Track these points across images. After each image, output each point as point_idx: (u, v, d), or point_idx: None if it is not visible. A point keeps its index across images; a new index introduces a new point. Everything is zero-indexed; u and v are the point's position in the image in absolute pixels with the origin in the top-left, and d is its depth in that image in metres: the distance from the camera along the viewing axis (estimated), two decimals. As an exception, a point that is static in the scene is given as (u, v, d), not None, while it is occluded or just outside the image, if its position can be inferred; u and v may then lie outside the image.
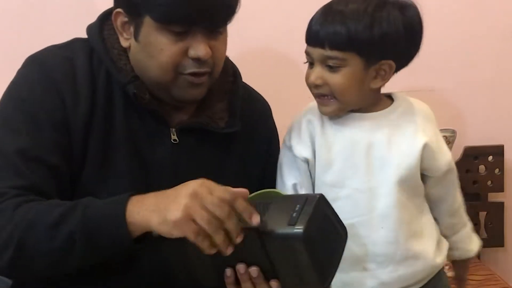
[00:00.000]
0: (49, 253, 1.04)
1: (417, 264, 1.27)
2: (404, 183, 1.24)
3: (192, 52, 1.15)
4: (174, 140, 1.24)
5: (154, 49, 1.16)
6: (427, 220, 1.32)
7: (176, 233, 0.98)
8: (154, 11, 1.13)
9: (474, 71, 1.96)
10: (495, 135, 1.99)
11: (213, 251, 0.99)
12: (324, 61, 1.21)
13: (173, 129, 1.24)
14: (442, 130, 1.86)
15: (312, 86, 1.24)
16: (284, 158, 1.32)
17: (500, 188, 1.99)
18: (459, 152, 1.95)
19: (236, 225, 0.99)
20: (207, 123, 1.26)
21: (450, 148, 1.87)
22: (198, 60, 1.16)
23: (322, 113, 1.27)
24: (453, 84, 1.95)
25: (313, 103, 1.30)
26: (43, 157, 1.13)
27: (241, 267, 1.04)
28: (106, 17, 1.26)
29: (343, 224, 1.08)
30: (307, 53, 1.25)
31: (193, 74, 1.17)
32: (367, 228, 1.24)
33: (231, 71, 1.33)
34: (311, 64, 1.24)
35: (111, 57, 1.22)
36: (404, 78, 1.88)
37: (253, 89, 1.43)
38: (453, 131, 1.88)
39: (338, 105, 1.24)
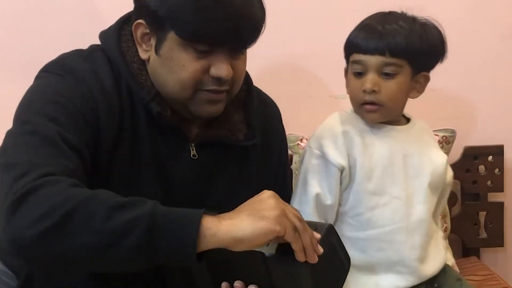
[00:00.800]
0: (97, 234, 0.93)
1: (436, 261, 1.38)
2: (434, 191, 1.38)
3: (214, 71, 1.15)
4: (194, 155, 1.24)
5: (175, 65, 1.15)
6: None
7: (277, 228, 0.96)
8: (180, 28, 1.12)
9: (474, 71, 1.96)
10: (495, 135, 1.99)
11: (303, 257, 0.99)
12: (380, 69, 1.29)
13: (192, 144, 1.24)
14: (442, 130, 1.86)
15: (368, 92, 1.30)
16: (310, 166, 1.35)
17: (500, 188, 1.99)
18: (459, 152, 1.95)
19: (313, 237, 1.02)
20: (226, 136, 1.25)
21: (450, 148, 1.87)
22: (218, 79, 1.15)
23: (369, 120, 1.34)
24: (453, 84, 1.95)
25: (340, 113, 1.38)
26: (81, 149, 1.08)
27: (238, 284, 1.05)
28: (122, 25, 1.24)
29: (347, 254, 1.11)
30: (357, 62, 1.31)
31: (212, 91, 1.17)
32: (405, 234, 1.33)
33: (244, 79, 1.30)
34: (359, 74, 1.31)
35: (132, 72, 1.19)
36: (404, 78, 1.88)
37: (263, 93, 1.42)
38: (453, 131, 1.87)
39: (384, 112, 1.33)
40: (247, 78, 1.32)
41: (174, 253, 0.96)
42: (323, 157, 1.33)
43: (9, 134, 1.11)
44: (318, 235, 1.04)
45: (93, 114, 1.14)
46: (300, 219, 1.01)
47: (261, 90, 1.41)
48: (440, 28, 1.36)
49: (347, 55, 1.35)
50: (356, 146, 1.33)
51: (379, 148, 1.34)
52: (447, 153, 1.86)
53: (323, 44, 1.78)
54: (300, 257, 0.99)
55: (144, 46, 1.19)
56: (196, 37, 1.12)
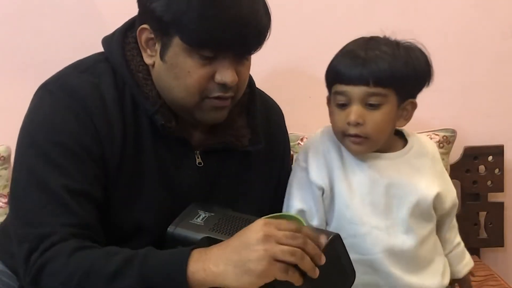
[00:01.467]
0: None
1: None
2: (422, 219, 1.31)
3: (219, 78, 1.14)
4: (199, 163, 1.23)
5: (180, 71, 1.14)
6: (437, 241, 1.38)
7: (262, 282, 0.97)
8: (186, 34, 1.11)
9: (474, 71, 1.96)
10: (495, 135, 1.99)
11: (301, 281, 0.98)
12: (365, 99, 1.23)
13: (197, 152, 1.24)
14: (442, 130, 1.86)
15: (353, 125, 1.24)
16: (295, 179, 1.33)
17: (500, 188, 1.99)
18: (459, 152, 1.95)
19: (315, 247, 1.00)
20: (231, 142, 1.25)
21: (450, 148, 1.87)
22: (224, 86, 1.15)
23: (353, 152, 1.29)
24: (453, 84, 1.95)
25: (328, 129, 1.33)
26: (88, 190, 1.11)
27: None
28: (125, 33, 1.22)
29: (353, 267, 1.10)
30: (340, 93, 1.26)
31: (217, 98, 1.16)
32: (387, 263, 1.28)
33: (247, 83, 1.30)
34: (343, 105, 1.25)
35: (137, 81, 1.18)
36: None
37: (266, 95, 1.42)
38: (453, 131, 1.87)
39: (370, 144, 1.27)
40: (250, 81, 1.31)
41: None
42: (307, 171, 1.31)
43: (16, 181, 1.15)
44: (322, 242, 1.03)
45: (96, 143, 1.14)
46: (296, 244, 0.98)
47: (263, 92, 1.40)
48: (424, 51, 1.29)
49: (329, 85, 1.29)
50: (336, 171, 1.30)
51: (360, 176, 1.29)
52: (447, 153, 1.86)
53: (324, 44, 1.77)
54: (298, 283, 0.98)
55: (148, 51, 1.18)
56: (201, 43, 1.11)
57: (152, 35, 1.16)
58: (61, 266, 1.04)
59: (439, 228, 1.39)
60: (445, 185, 1.37)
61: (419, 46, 1.29)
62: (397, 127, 1.32)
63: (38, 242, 1.06)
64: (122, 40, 1.21)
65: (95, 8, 1.74)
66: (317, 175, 1.29)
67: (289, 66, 1.82)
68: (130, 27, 1.22)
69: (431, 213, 1.33)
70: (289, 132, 1.46)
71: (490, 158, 1.96)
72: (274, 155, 1.36)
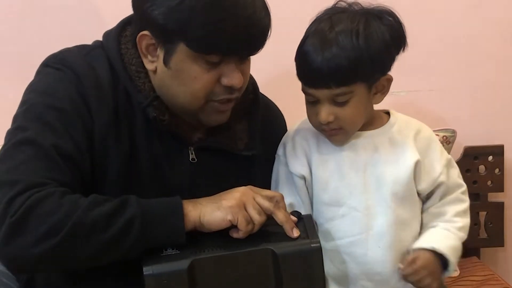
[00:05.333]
0: (103, 240, 1.03)
1: None
2: (400, 201, 1.25)
3: (226, 81, 1.15)
4: (193, 159, 1.23)
5: (186, 77, 1.14)
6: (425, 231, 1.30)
7: (228, 218, 1.08)
8: (192, 41, 1.11)
9: (474, 71, 1.96)
10: (495, 135, 1.99)
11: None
12: (332, 98, 1.20)
13: (192, 148, 1.24)
14: (442, 130, 1.86)
15: (324, 123, 1.22)
16: (280, 174, 1.32)
17: (500, 188, 1.99)
18: (459, 152, 1.95)
19: (288, 217, 1.13)
20: (226, 143, 1.25)
21: (450, 148, 1.87)
22: (230, 88, 1.16)
23: (335, 143, 1.27)
24: (453, 84, 1.95)
25: (305, 119, 1.29)
26: (77, 157, 1.11)
27: None
28: (123, 27, 1.23)
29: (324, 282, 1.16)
30: (307, 93, 1.23)
31: (222, 101, 1.17)
32: (364, 247, 1.24)
33: (251, 87, 1.30)
34: (313, 103, 1.23)
35: (130, 75, 1.19)
36: (404, 78, 1.88)
37: (269, 100, 1.41)
38: (453, 131, 1.87)
39: (348, 133, 1.25)
40: (254, 87, 1.32)
41: (167, 240, 1.08)
42: (287, 165, 1.30)
43: (7, 140, 1.13)
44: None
45: (88, 114, 1.14)
46: (267, 206, 1.12)
47: (266, 97, 1.40)
48: (392, 15, 1.21)
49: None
50: (313, 156, 1.28)
51: (337, 157, 1.26)
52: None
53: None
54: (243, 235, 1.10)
55: (149, 57, 1.17)
56: (207, 49, 1.11)
57: (153, 41, 1.15)
58: (54, 207, 1.02)
59: (431, 204, 1.30)
60: (432, 155, 1.28)
61: (388, 10, 1.22)
62: (375, 103, 1.27)
63: (26, 188, 1.03)
64: (119, 34, 1.22)
65: (95, 8, 1.74)
66: (296, 164, 1.28)
67: (291, 66, 1.82)
68: (129, 22, 1.23)
69: (413, 193, 1.27)
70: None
71: (490, 158, 1.96)
72: (274, 158, 1.35)
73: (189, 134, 1.24)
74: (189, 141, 1.24)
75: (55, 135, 1.10)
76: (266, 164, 1.33)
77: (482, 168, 1.97)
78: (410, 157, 1.26)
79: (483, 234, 2.00)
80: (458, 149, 1.94)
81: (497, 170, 1.97)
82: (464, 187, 1.33)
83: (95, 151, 1.14)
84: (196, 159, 1.23)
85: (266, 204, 1.12)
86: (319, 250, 1.08)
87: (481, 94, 1.98)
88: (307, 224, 1.14)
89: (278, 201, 1.14)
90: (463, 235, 1.28)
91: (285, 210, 1.15)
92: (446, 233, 1.26)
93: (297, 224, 1.13)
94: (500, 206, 2.00)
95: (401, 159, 1.26)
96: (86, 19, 1.74)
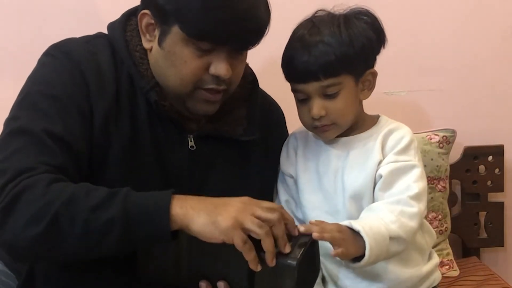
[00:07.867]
0: (84, 235, 1.02)
1: (390, 277, 1.25)
2: (357, 202, 1.25)
3: (213, 70, 1.16)
4: (192, 146, 1.25)
5: (177, 60, 1.16)
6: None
7: (220, 238, 1.01)
8: (186, 25, 1.13)
9: (474, 71, 1.96)
10: (495, 135, 1.99)
11: (255, 262, 1.02)
12: (322, 92, 1.23)
13: (191, 136, 1.25)
14: (442, 130, 1.86)
15: (316, 119, 1.25)
16: (278, 173, 1.38)
17: (500, 188, 1.99)
18: (459, 152, 1.95)
19: (284, 232, 1.04)
20: (225, 129, 1.26)
21: (450, 148, 1.87)
22: (217, 78, 1.17)
23: (326, 139, 1.30)
24: (453, 84, 1.95)
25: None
26: (70, 141, 1.12)
27: (221, 285, 1.08)
28: (129, 17, 1.26)
29: (320, 259, 1.14)
30: (297, 90, 1.26)
31: (210, 90, 1.18)
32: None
33: (250, 78, 1.33)
34: (304, 101, 1.26)
35: (134, 60, 1.21)
36: (404, 78, 1.89)
37: (269, 96, 1.44)
38: (453, 131, 1.87)
39: (339, 127, 1.28)
40: (254, 79, 1.34)
41: (151, 240, 1.05)
42: (281, 162, 1.37)
43: (2, 130, 1.15)
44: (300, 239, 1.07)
45: (86, 100, 1.16)
46: (270, 218, 1.03)
47: (265, 92, 1.42)
48: (371, 15, 1.26)
49: (288, 81, 1.28)
50: (299, 157, 1.33)
51: (315, 162, 1.31)
52: (447, 153, 1.86)
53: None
54: (253, 266, 1.02)
55: (148, 36, 1.21)
56: (200, 35, 1.13)
57: (153, 21, 1.18)
58: (39, 194, 1.03)
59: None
60: (393, 151, 1.25)
61: (365, 10, 1.27)
62: (363, 99, 1.30)
63: (16, 175, 1.04)
64: (124, 22, 1.25)
65: (95, 8, 1.74)
66: (286, 164, 1.35)
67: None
68: (134, 12, 1.26)
69: (368, 190, 1.25)
70: (289, 132, 1.46)
71: (490, 158, 1.96)
72: (274, 152, 1.37)
73: (188, 122, 1.25)
74: (188, 129, 1.25)
75: (47, 121, 1.11)
76: (263, 152, 1.34)
77: (482, 168, 1.97)
78: (374, 158, 1.25)
79: (483, 234, 2.00)
80: (458, 149, 1.94)
81: (497, 170, 1.97)
82: (414, 192, 1.21)
83: (94, 135, 1.15)
84: (195, 147, 1.25)
85: (268, 216, 1.04)
86: (293, 268, 1.02)
87: (481, 94, 1.98)
88: (301, 240, 1.09)
89: (278, 217, 1.05)
90: (396, 230, 1.17)
91: (284, 226, 1.06)
92: (373, 217, 1.19)
93: (298, 240, 1.08)
94: (500, 206, 2.00)
95: (368, 162, 1.26)
96: (86, 19, 1.74)
